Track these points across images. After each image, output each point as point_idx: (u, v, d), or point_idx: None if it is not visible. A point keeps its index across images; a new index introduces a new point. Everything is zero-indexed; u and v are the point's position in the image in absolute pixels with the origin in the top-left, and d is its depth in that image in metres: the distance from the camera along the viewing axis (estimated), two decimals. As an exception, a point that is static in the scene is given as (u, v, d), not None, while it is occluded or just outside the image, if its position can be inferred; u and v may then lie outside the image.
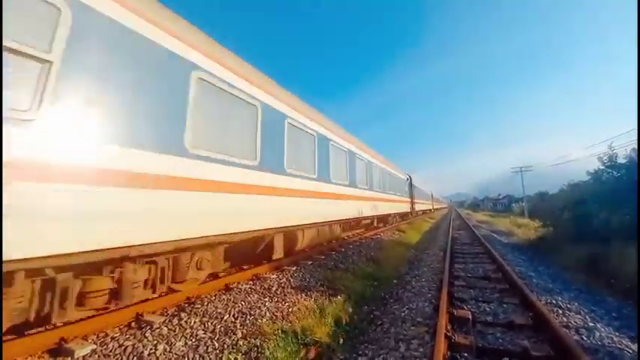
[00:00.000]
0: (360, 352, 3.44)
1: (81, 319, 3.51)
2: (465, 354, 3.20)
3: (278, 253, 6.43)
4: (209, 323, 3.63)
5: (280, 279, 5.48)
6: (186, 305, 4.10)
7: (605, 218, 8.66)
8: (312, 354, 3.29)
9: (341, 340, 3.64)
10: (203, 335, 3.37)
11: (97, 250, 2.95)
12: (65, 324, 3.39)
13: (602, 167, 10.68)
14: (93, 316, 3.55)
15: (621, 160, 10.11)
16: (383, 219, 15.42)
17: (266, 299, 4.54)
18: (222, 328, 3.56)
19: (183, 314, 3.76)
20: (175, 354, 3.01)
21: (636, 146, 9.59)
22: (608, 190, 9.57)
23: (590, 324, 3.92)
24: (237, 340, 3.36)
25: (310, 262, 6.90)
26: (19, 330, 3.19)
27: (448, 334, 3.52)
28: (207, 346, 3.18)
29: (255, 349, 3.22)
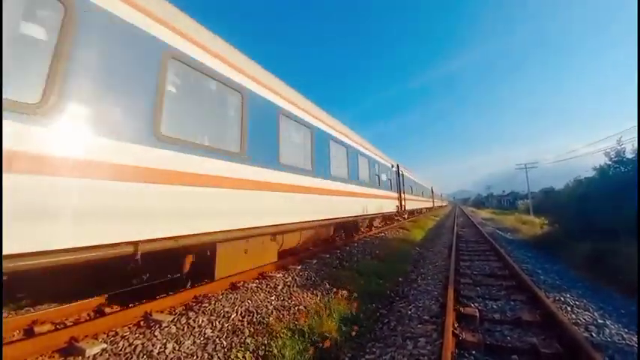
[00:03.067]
0: (368, 350, 3.45)
1: (91, 319, 3.56)
2: (473, 351, 3.19)
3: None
4: (217, 322, 3.65)
5: (286, 278, 5.50)
6: (194, 304, 4.12)
7: (612, 214, 8.58)
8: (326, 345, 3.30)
9: (348, 338, 3.65)
10: (211, 334, 3.40)
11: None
12: (75, 323, 3.44)
13: (609, 162, 10.56)
14: (103, 316, 3.60)
15: (629, 155, 9.99)
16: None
17: (272, 298, 4.56)
18: (230, 327, 3.58)
19: (191, 313, 3.79)
20: (184, 352, 3.03)
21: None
22: (614, 185, 9.47)
23: (600, 321, 3.89)
24: (245, 338, 3.38)
25: (315, 261, 6.91)
26: (30, 330, 3.25)
27: (455, 331, 3.52)
28: (216, 345, 3.21)
29: (263, 347, 3.24)
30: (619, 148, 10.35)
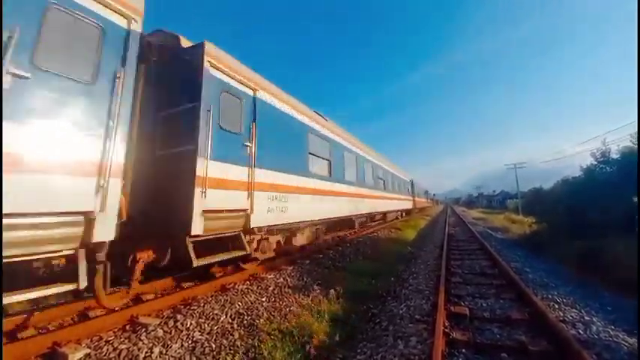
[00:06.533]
0: (359, 351, 3.42)
1: (75, 323, 3.46)
2: (464, 350, 3.19)
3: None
4: (206, 325, 3.59)
5: (277, 279, 5.45)
6: (182, 307, 4.04)
7: (599, 213, 8.76)
8: (312, 352, 3.26)
9: (339, 339, 3.63)
10: (200, 337, 3.33)
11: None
12: (59, 328, 3.33)
13: (594, 163, 10.79)
14: (87, 320, 3.50)
15: (614, 156, 10.23)
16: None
17: (263, 299, 4.50)
18: (219, 329, 3.52)
19: (179, 316, 3.71)
20: (172, 356, 2.96)
21: (633, 142, 9.68)
22: (600, 185, 9.68)
23: (587, 318, 3.95)
24: (235, 340, 3.33)
25: (308, 261, 6.87)
26: (12, 335, 3.14)
27: (446, 330, 3.52)
28: (205, 348, 3.14)
29: (253, 349, 3.19)
30: (604, 148, 10.57)
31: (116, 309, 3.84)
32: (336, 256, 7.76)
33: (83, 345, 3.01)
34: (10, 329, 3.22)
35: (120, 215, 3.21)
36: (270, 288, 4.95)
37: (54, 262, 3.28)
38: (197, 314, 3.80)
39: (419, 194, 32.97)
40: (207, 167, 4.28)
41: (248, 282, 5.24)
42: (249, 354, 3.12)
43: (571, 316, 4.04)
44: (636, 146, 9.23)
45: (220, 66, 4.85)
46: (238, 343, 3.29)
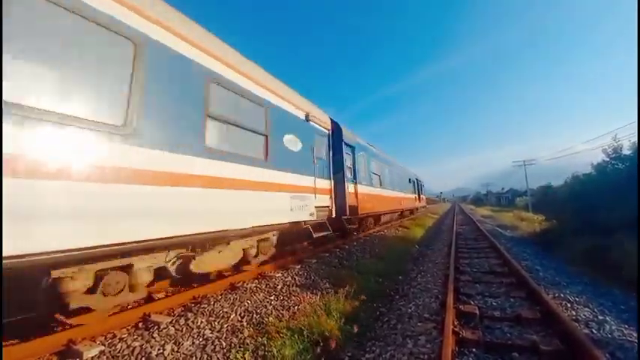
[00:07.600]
0: (368, 349, 3.43)
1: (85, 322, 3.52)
2: (474, 349, 3.17)
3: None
4: (216, 322, 3.63)
5: (285, 277, 5.48)
6: (193, 305, 4.10)
7: (610, 210, 8.58)
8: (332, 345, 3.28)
9: (348, 337, 3.63)
10: (210, 335, 3.38)
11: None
12: (73, 326, 3.40)
13: (606, 159, 10.55)
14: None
15: (626, 152, 9.99)
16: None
17: (272, 297, 4.54)
18: (229, 327, 3.56)
19: (189, 314, 3.76)
20: (183, 354, 3.01)
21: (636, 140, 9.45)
22: (613, 182, 9.47)
23: (600, 317, 3.89)
24: (244, 338, 3.36)
25: (315, 261, 6.89)
26: (27, 332, 3.22)
27: (455, 329, 3.50)
28: (215, 346, 3.19)
29: (263, 347, 3.22)
30: (616, 144, 10.33)
31: (129, 307, 3.92)
32: (343, 254, 7.77)
33: (97, 342, 3.09)
34: (25, 327, 3.31)
35: None
36: (279, 286, 4.98)
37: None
38: (207, 312, 3.85)
39: (399, 185, 17.48)
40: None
41: (256, 280, 5.28)
42: (259, 351, 3.15)
43: (584, 315, 3.98)
44: None
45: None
46: (248, 340, 3.33)
